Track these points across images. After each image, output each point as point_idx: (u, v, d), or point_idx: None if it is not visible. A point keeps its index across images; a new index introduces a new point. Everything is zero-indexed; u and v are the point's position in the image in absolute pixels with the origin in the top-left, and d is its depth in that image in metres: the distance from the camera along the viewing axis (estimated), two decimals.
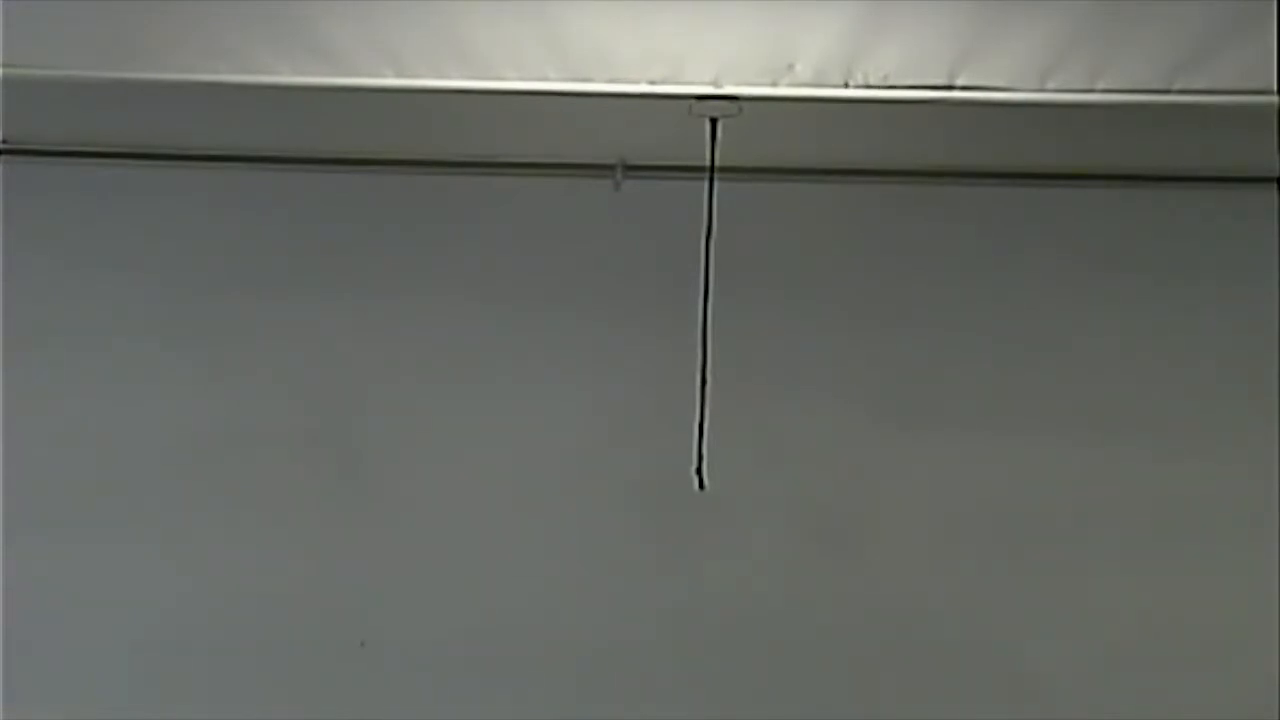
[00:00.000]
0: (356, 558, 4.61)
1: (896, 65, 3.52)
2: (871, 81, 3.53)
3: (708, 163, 4.03)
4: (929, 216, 4.61)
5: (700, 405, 4.14)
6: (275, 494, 4.61)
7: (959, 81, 3.53)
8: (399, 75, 3.54)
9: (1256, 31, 3.50)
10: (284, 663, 4.60)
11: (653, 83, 3.55)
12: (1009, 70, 3.52)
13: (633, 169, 4.51)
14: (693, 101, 3.67)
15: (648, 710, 4.59)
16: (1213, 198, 4.56)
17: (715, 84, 3.56)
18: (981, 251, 4.63)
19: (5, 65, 3.53)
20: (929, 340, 4.62)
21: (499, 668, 4.60)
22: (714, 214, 4.13)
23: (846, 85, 3.53)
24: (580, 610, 4.61)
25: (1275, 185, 4.49)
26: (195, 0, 3.53)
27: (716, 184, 4.10)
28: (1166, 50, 3.51)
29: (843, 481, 4.62)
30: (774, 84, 3.55)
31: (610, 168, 4.51)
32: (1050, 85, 3.52)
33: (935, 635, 4.60)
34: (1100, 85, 3.52)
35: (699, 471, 4.13)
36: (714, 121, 3.93)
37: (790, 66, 3.53)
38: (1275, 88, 3.50)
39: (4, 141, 4.49)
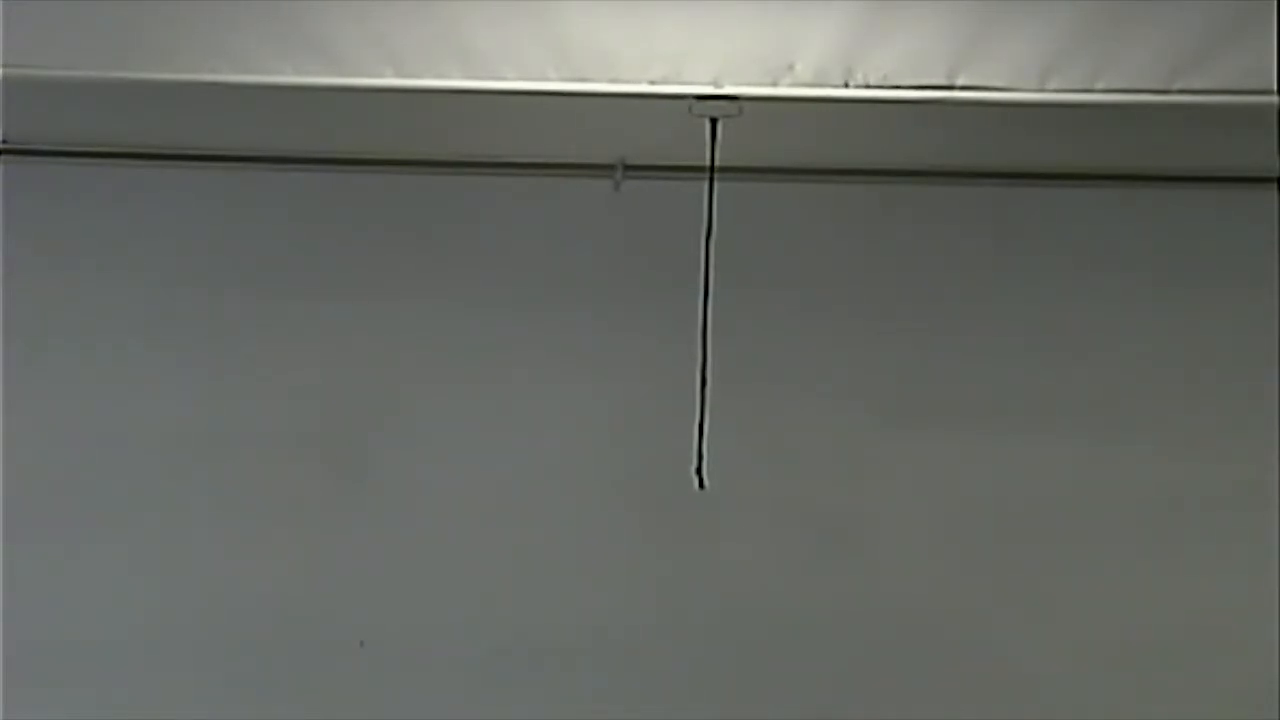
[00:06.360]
0: (356, 557, 4.61)
1: (896, 65, 3.52)
2: (871, 81, 3.53)
3: (708, 163, 4.02)
4: (929, 216, 4.61)
5: (700, 405, 4.14)
6: (274, 493, 4.61)
7: (959, 81, 3.52)
8: (399, 75, 3.54)
9: (1256, 31, 3.50)
10: (284, 663, 4.60)
11: (653, 83, 3.55)
12: (1009, 70, 3.52)
13: (633, 169, 4.51)
14: (693, 101, 3.67)
15: (648, 709, 4.59)
16: (1213, 198, 4.56)
17: (715, 84, 3.56)
18: (981, 251, 4.63)
19: (5, 65, 3.53)
20: (929, 340, 4.62)
21: (499, 667, 4.60)
22: (714, 214, 4.13)
23: (846, 85, 3.53)
24: (579, 609, 4.61)
25: (1275, 185, 4.49)
26: (195, 0, 3.53)
27: (716, 184, 4.10)
28: (1166, 50, 3.51)
29: (842, 481, 4.63)
30: (774, 84, 3.55)
31: (610, 168, 4.51)
32: (1050, 85, 3.52)
33: (935, 634, 4.60)
34: (1100, 85, 3.52)
35: (699, 471, 4.13)
36: (714, 121, 3.93)
37: (790, 66, 3.53)
38: (1275, 88, 3.50)
39: (4, 141, 4.49)
